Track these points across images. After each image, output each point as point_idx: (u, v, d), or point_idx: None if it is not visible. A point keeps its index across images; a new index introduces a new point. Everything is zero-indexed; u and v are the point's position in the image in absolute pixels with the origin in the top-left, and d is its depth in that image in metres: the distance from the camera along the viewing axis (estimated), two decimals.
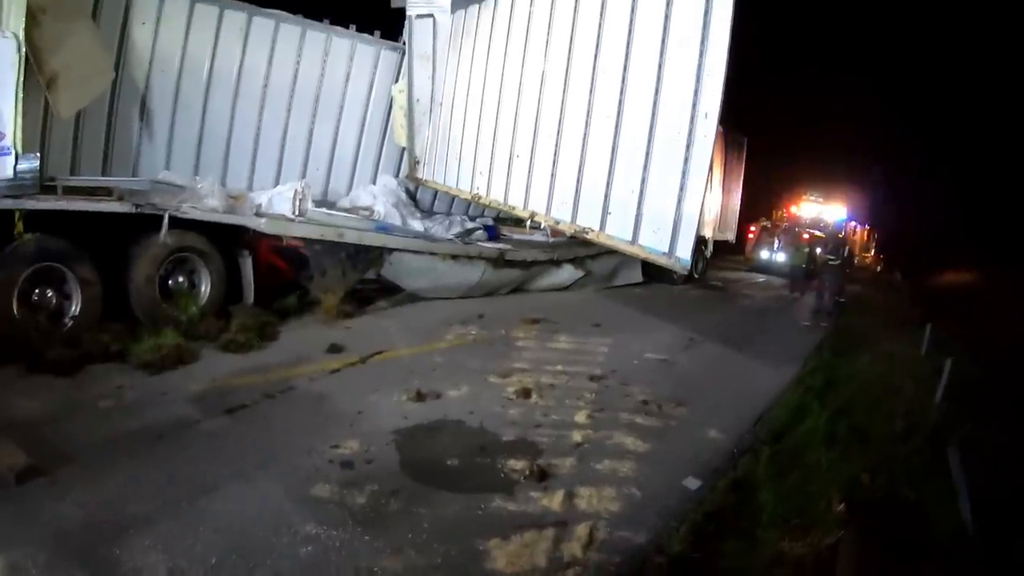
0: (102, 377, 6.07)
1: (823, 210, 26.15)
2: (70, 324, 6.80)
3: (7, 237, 6.53)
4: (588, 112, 9.24)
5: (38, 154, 7.12)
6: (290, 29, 12.00)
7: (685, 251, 7.81)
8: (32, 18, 7.03)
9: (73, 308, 6.87)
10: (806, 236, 21.99)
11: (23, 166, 6.79)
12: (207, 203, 8.16)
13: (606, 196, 8.88)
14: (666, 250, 7.95)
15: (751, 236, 24.68)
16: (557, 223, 9.97)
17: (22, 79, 6.79)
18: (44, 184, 7.11)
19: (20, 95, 6.76)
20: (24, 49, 6.83)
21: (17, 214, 6.60)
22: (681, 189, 7.72)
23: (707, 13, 7.42)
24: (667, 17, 7.98)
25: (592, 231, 9.16)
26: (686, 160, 7.65)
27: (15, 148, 6.72)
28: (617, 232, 8.75)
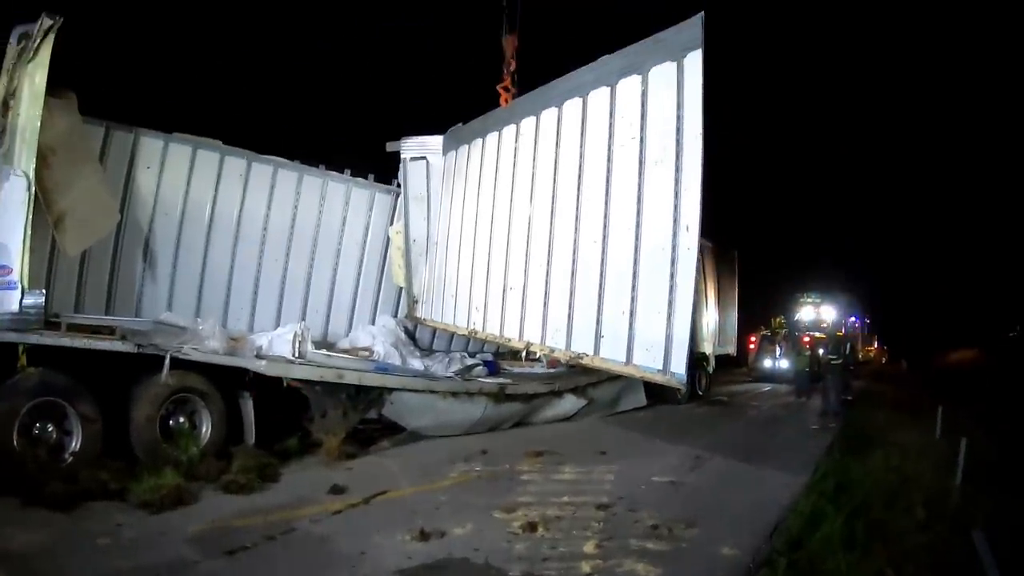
0: (100, 514, 6.00)
1: (821, 310, 26.35)
2: (70, 459, 6.81)
3: (10, 370, 6.59)
4: (575, 239, 9.43)
5: (43, 291, 7.36)
6: (287, 175, 12.39)
7: (679, 366, 7.77)
8: (43, 159, 7.36)
9: (73, 444, 6.90)
10: (807, 339, 22.07)
11: (28, 301, 6.97)
12: (208, 344, 8.25)
13: (598, 320, 8.94)
14: (661, 367, 7.91)
15: (752, 346, 24.86)
16: (552, 351, 9.98)
17: (31, 217, 7.01)
18: (48, 320, 7.28)
19: (29, 232, 6.97)
20: (34, 188, 7.09)
21: (20, 348, 6.70)
22: (670, 304, 7.77)
23: (679, 132, 7.74)
24: (642, 140, 8.32)
25: (587, 356, 9.15)
26: (672, 275, 7.75)
27: (21, 283, 6.90)
28: (611, 355, 8.75)
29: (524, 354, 12.38)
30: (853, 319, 30.95)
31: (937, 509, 7.01)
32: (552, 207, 9.99)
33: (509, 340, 11.10)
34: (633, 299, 8.34)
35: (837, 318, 26.53)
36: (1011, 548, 5.67)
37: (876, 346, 40.85)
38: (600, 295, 8.93)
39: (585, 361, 9.30)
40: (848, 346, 17.25)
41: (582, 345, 9.24)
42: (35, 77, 7.35)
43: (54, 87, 7.64)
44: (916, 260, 61.37)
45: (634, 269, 8.36)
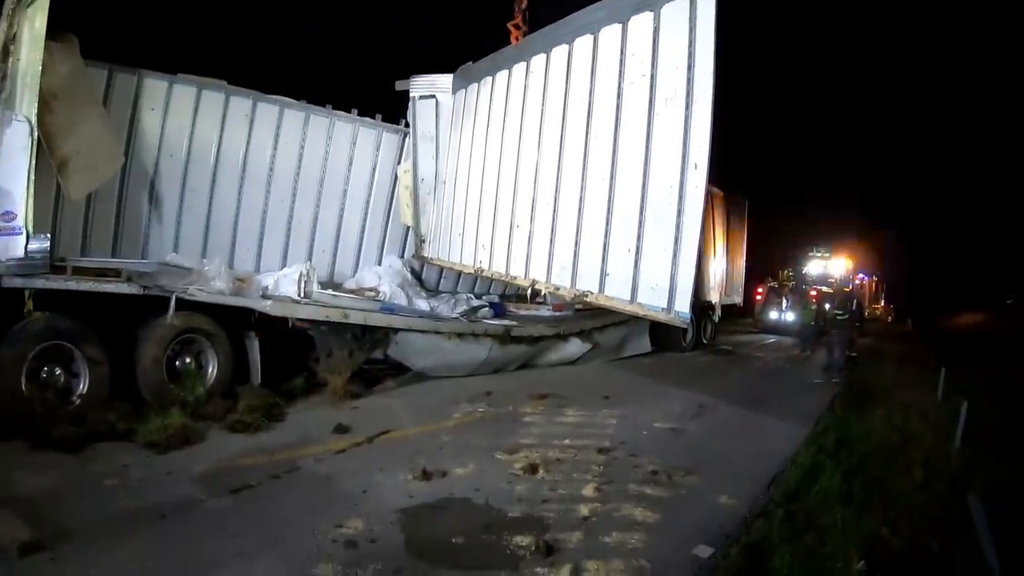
0: (108, 456, 6.09)
1: (829, 264, 26.22)
2: (77, 402, 6.87)
3: (17, 315, 6.63)
4: (583, 175, 9.39)
5: (48, 235, 7.32)
6: (294, 115, 12.25)
7: (683, 305, 7.81)
8: (45, 103, 7.27)
9: (80, 387, 6.96)
10: (814, 293, 21.94)
11: (34, 246, 6.95)
12: (214, 285, 8.28)
13: (603, 258, 8.95)
14: (665, 306, 7.95)
15: (759, 297, 24.76)
16: (557, 289, 9.99)
17: (34, 162, 7.00)
18: (54, 264, 7.28)
19: (32, 177, 6.96)
20: (37, 133, 7.05)
21: (27, 293, 6.73)
22: (676, 243, 7.78)
23: (690, 69, 7.68)
24: (653, 77, 8.26)
25: (592, 294, 9.19)
26: (679, 212, 7.74)
27: (26, 228, 6.90)
28: (616, 293, 8.79)
29: (530, 295, 12.41)
30: (861, 276, 30.75)
31: (935, 470, 7.07)
32: (560, 144, 9.95)
33: (515, 278, 11.10)
34: (639, 237, 8.35)
35: (845, 273, 26.39)
36: (1008, 514, 5.73)
37: (883, 304, 40.64)
38: (607, 233, 8.93)
39: (590, 299, 9.34)
40: (855, 302, 17.14)
41: (587, 283, 9.27)
42: (35, 21, 7.21)
43: (55, 30, 7.49)
44: (929, 221, 61.28)
45: (641, 206, 8.35)
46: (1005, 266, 52.63)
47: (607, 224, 8.90)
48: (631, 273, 8.44)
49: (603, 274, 8.95)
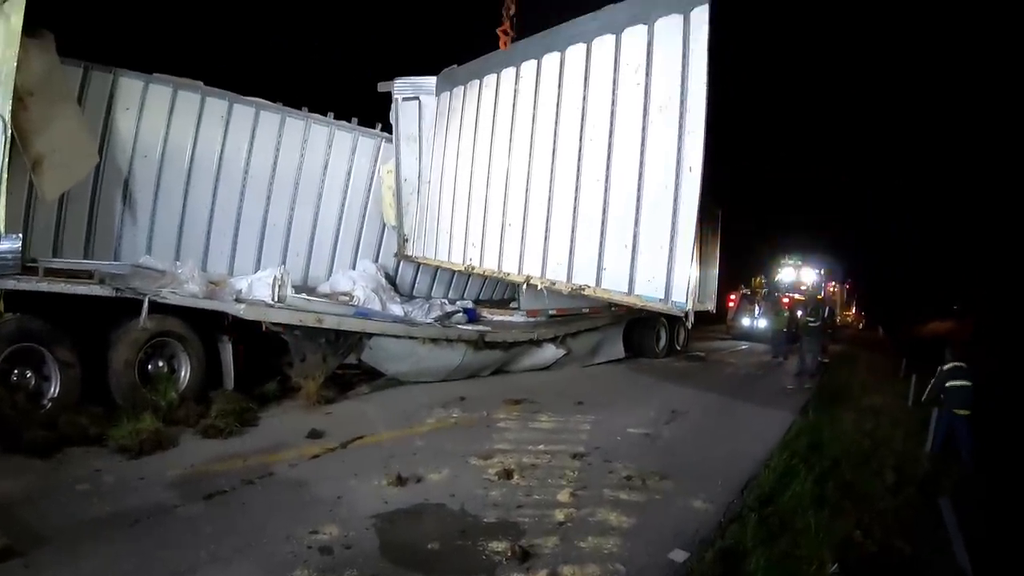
0: (80, 460, 6.04)
1: (802, 272, 26.48)
2: (48, 405, 6.79)
3: None
4: (577, 178, 9.66)
5: (20, 235, 7.20)
6: (270, 117, 12.18)
7: (680, 295, 8.17)
8: (19, 100, 7.18)
9: (52, 390, 6.88)
10: (786, 300, 22.24)
11: (5, 246, 6.87)
12: (187, 288, 8.23)
13: (600, 254, 9.23)
14: (662, 296, 8.32)
15: (731, 304, 24.95)
16: (553, 284, 10.12)
17: (7, 160, 6.90)
18: (26, 265, 7.18)
19: (5, 176, 6.86)
20: (10, 131, 6.96)
21: None
22: (672, 239, 8.13)
23: (684, 80, 8.04)
24: (647, 87, 8.57)
25: (589, 287, 9.43)
26: (675, 212, 8.10)
27: None
28: (613, 286, 9.07)
29: (523, 285, 12.37)
30: (833, 283, 31.10)
31: (906, 474, 7.19)
32: (554, 147, 10.15)
33: (508, 274, 11.23)
34: (635, 235, 8.67)
35: (817, 281, 26.68)
36: (978, 517, 5.85)
37: (854, 311, 41.10)
38: (602, 231, 9.21)
39: (587, 292, 9.57)
40: (827, 309, 17.33)
41: (584, 277, 9.52)
42: (11, 17, 7.13)
43: (31, 27, 7.42)
44: (898, 230, 62.55)
45: (637, 206, 8.66)
46: (950, 274, 54.17)
47: (603, 223, 9.19)
48: (628, 268, 8.78)
49: (600, 269, 9.25)
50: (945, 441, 8.87)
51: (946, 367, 9.26)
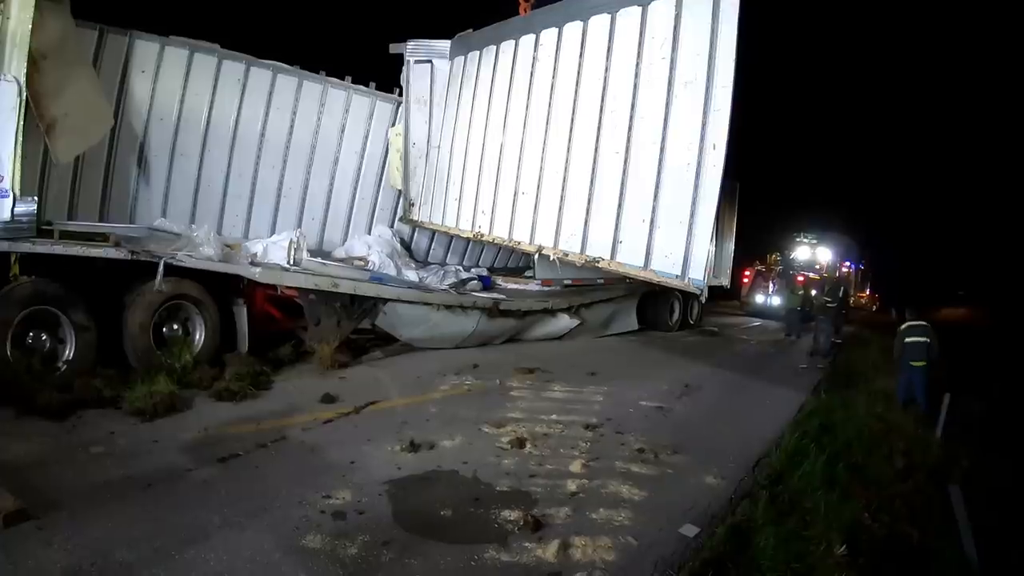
0: (94, 423, 6.06)
1: (817, 251, 26.25)
2: (63, 368, 6.83)
3: (3, 279, 6.55)
4: (596, 150, 9.56)
5: (36, 198, 7.18)
6: (287, 80, 12.10)
7: (698, 272, 8.11)
8: (34, 63, 7.12)
9: (67, 352, 6.92)
10: (801, 278, 22.01)
11: (20, 209, 6.84)
12: (203, 251, 8.22)
13: (616, 227, 9.16)
14: (679, 273, 8.25)
15: (746, 280, 24.77)
16: (566, 255, 10.06)
17: (22, 123, 6.86)
18: (41, 228, 7.17)
19: (20, 139, 6.83)
20: (25, 94, 6.91)
21: (13, 257, 6.64)
22: (692, 216, 8.07)
23: (712, 56, 7.92)
24: (672, 61, 8.47)
25: (603, 260, 9.36)
26: (696, 188, 8.04)
27: (13, 191, 6.78)
28: (629, 259, 9.01)
29: (535, 255, 12.33)
30: (848, 263, 30.82)
31: (916, 460, 7.15)
32: (572, 118, 10.05)
33: (519, 243, 11.16)
34: (654, 209, 8.59)
35: (833, 260, 26.41)
36: (987, 506, 5.82)
37: (868, 293, 40.72)
38: (620, 204, 9.13)
39: (601, 265, 9.50)
40: (843, 289, 17.17)
41: (598, 250, 9.45)
42: None
43: None
44: (918, 214, 62.14)
45: (657, 180, 8.59)
46: (954, 261, 53.97)
47: (621, 196, 9.11)
48: (645, 242, 8.70)
49: (616, 242, 9.18)
50: (907, 388, 10.08)
51: (904, 326, 10.37)
